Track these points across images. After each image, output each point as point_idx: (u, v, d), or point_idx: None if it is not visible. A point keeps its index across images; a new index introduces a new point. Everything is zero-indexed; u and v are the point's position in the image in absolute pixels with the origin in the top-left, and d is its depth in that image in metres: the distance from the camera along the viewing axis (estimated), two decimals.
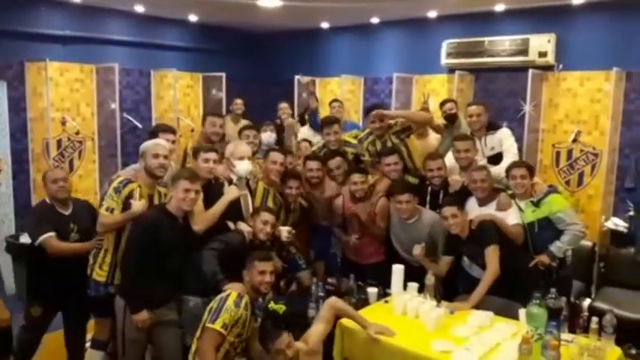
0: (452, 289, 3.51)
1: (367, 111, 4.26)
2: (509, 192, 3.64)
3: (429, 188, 3.92)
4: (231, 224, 3.41)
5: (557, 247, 3.45)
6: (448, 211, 3.40)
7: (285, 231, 3.67)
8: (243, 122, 5.77)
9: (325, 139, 4.37)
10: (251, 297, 2.93)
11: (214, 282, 3.06)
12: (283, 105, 5.86)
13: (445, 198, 3.69)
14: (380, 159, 4.06)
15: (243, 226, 3.43)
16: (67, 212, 3.47)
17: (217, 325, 2.73)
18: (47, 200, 3.48)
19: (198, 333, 2.84)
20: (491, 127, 4.23)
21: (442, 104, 5.00)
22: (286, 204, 3.95)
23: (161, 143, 3.33)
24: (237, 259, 3.08)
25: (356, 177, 3.89)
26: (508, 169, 3.62)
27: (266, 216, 3.42)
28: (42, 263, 3.37)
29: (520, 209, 3.56)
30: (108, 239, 3.21)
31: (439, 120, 5.01)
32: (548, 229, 3.49)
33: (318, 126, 4.94)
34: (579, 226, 3.48)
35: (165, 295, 3.15)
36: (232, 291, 2.87)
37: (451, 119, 4.89)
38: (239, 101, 5.83)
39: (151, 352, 3.28)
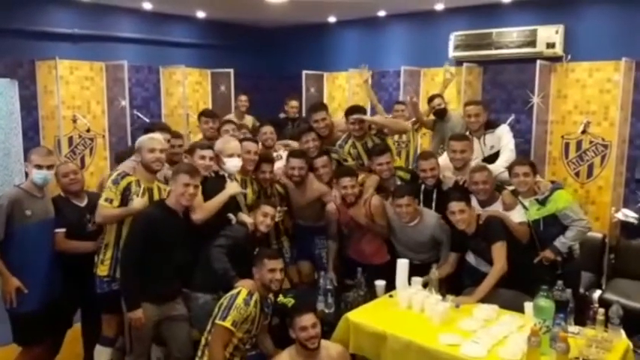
0: (457, 283, 3.50)
1: (346, 113, 4.12)
2: (510, 188, 3.60)
3: (422, 187, 3.82)
4: (232, 216, 3.43)
5: (562, 242, 3.41)
6: (456, 206, 3.35)
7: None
8: (248, 118, 5.80)
9: (314, 126, 4.14)
10: (261, 294, 2.97)
11: (227, 279, 3.09)
12: (294, 103, 5.87)
13: (453, 194, 3.58)
14: (371, 159, 3.94)
15: (244, 217, 3.45)
16: (83, 204, 3.51)
17: (227, 323, 2.78)
18: (62, 194, 3.52)
19: (208, 327, 2.89)
20: (490, 125, 4.17)
21: (430, 100, 4.96)
22: (263, 190, 3.90)
23: (157, 137, 3.37)
24: (244, 253, 3.11)
25: (346, 181, 3.69)
26: (510, 167, 3.56)
27: (266, 209, 3.45)
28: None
29: (524, 207, 3.50)
30: (109, 233, 3.25)
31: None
32: (553, 225, 3.44)
33: None
34: (585, 221, 3.44)
35: (171, 290, 3.18)
36: (243, 288, 2.91)
37: (440, 114, 4.85)
38: (243, 97, 5.81)
39: (160, 351, 3.32)
